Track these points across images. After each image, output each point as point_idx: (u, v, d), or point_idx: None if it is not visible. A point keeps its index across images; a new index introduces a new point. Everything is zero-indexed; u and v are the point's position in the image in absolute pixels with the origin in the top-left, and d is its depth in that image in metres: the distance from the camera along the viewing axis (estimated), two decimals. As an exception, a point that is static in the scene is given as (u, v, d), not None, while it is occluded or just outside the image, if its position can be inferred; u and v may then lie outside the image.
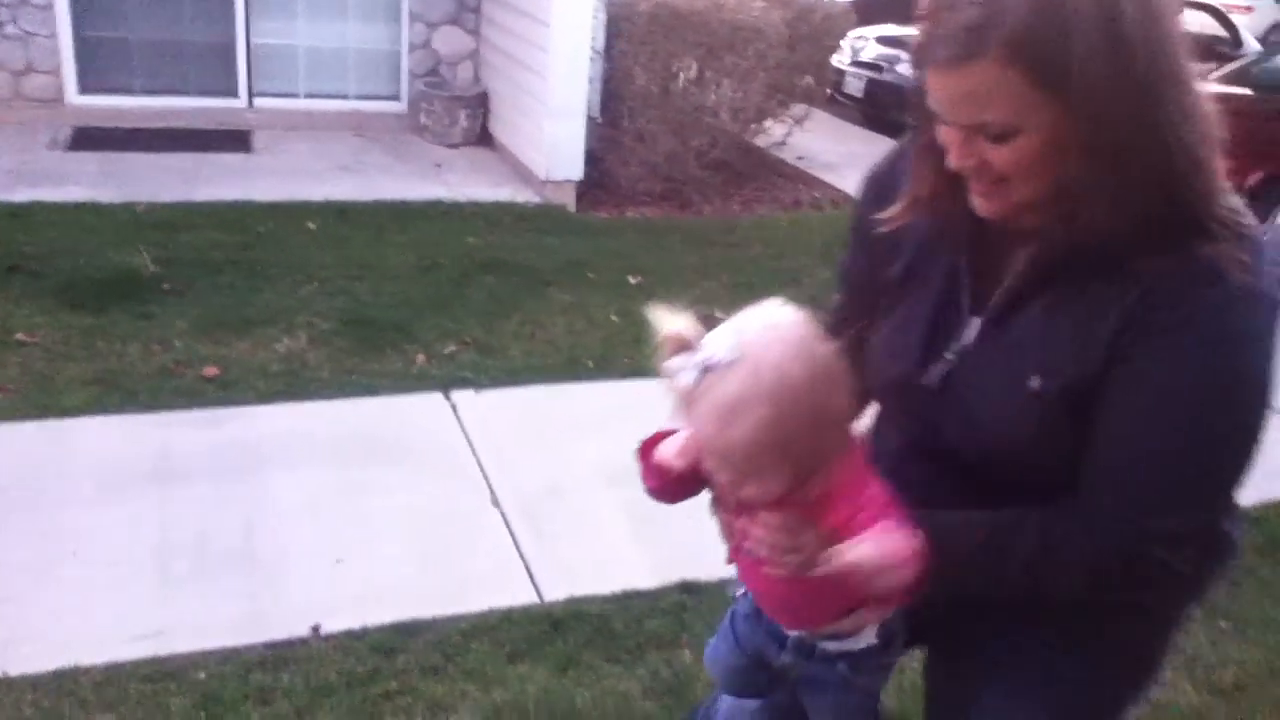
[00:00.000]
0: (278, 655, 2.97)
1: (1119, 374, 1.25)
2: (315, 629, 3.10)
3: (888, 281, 1.46)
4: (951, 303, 1.40)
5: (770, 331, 1.26)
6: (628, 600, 3.23)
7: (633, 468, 1.46)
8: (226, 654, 2.97)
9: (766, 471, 1.26)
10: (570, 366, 4.79)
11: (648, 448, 1.44)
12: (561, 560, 3.45)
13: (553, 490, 3.83)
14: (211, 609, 3.16)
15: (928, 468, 1.45)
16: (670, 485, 1.42)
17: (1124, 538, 1.28)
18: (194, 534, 3.48)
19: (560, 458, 4.05)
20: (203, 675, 2.88)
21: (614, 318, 5.25)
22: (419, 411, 4.35)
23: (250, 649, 3.00)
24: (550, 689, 2.81)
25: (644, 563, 3.42)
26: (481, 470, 3.93)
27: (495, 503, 3.74)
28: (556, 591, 3.27)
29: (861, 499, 1.30)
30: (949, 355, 1.39)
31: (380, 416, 4.28)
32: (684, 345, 1.26)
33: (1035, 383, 1.30)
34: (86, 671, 2.89)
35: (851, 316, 1.53)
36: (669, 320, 1.27)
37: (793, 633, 1.49)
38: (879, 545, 1.26)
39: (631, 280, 5.79)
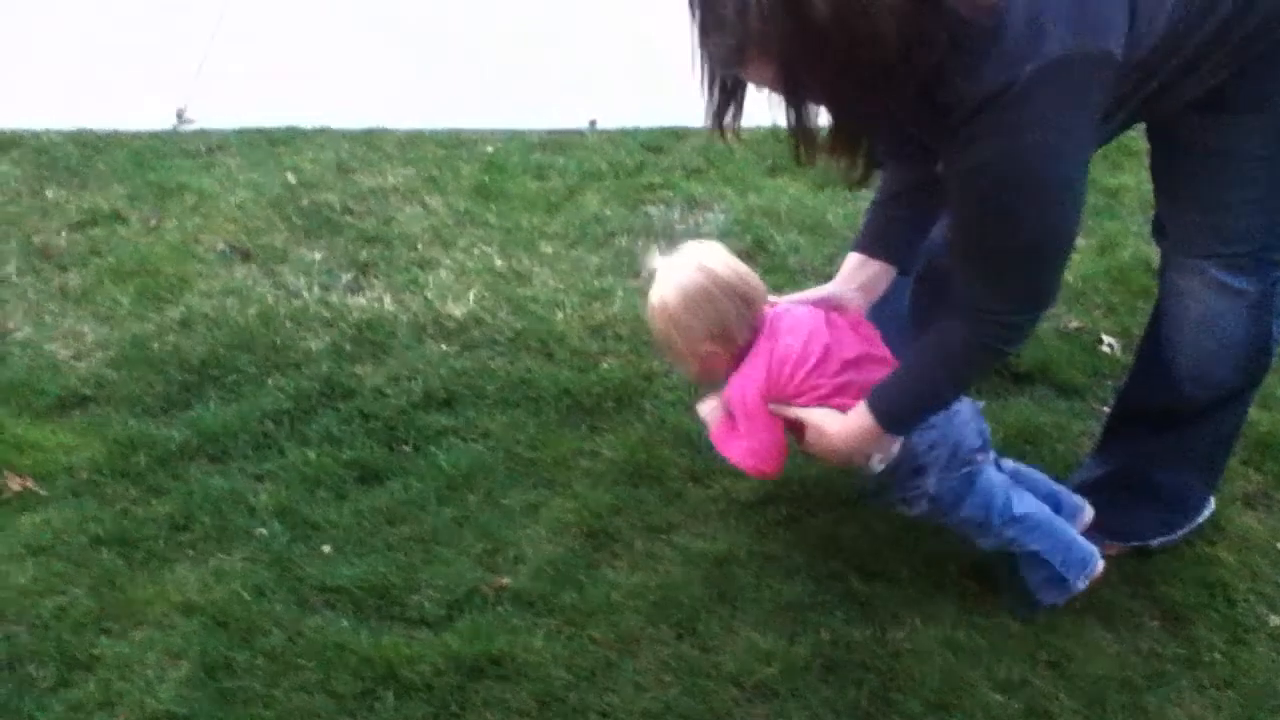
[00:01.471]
0: (555, 140, 3.17)
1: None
2: (592, 123, 3.25)
3: None
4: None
5: (665, 265, 1.79)
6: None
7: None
8: (510, 134, 3.20)
9: (681, 362, 1.85)
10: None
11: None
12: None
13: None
14: (499, 93, 3.37)
15: None
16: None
17: (983, 334, 1.55)
18: (479, 21, 3.65)
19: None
20: (489, 149, 3.13)
21: None
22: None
23: (532, 132, 3.21)
24: (804, 201, 2.87)
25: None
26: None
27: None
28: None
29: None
30: None
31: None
32: None
33: None
34: (391, 133, 3.21)
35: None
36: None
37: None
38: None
39: None
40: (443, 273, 2.63)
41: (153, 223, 2.81)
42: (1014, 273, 1.50)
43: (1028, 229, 1.41)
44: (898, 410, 1.66)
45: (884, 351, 1.76)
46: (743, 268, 1.81)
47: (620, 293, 2.53)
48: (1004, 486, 1.74)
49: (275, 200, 2.90)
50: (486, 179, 2.97)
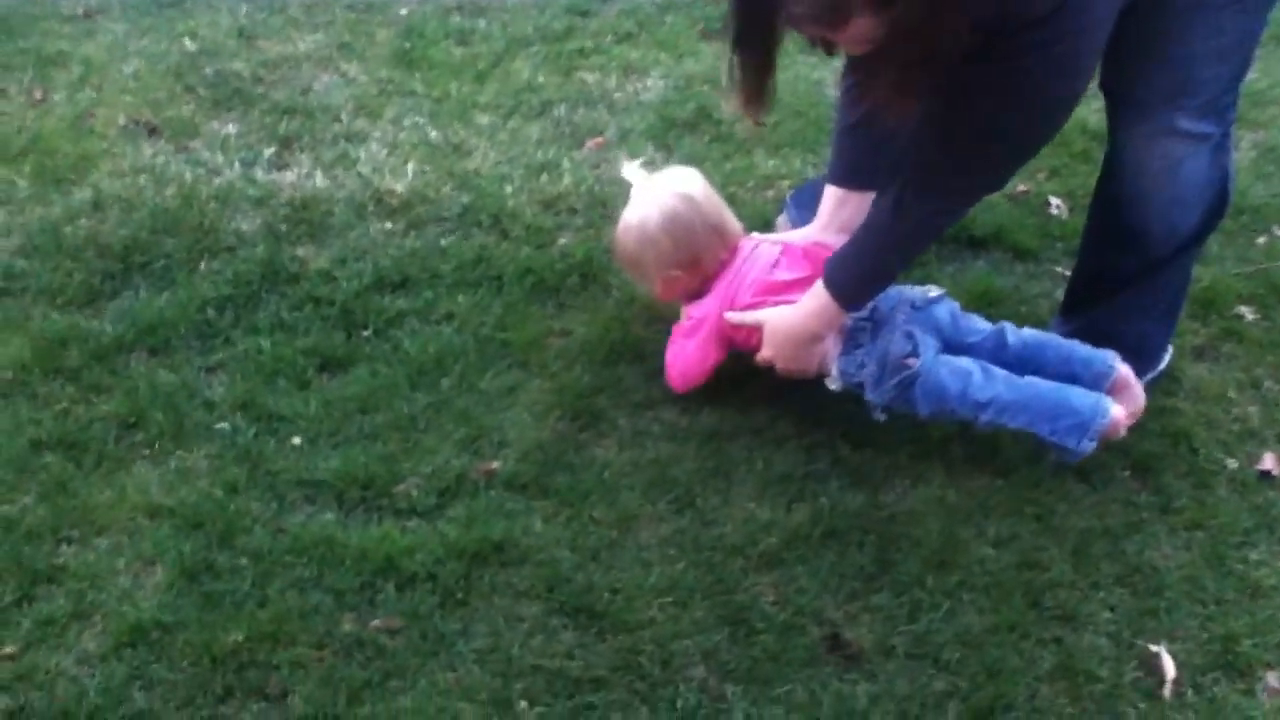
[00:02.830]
0: (473, 3, 3.00)
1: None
2: (509, -16, 3.08)
3: None
4: None
5: (648, 185, 1.90)
6: None
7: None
8: (426, -4, 3.01)
9: (644, 280, 1.96)
10: None
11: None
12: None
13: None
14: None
15: None
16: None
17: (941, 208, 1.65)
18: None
19: None
20: (404, 11, 2.93)
21: None
22: None
23: (449, -6, 3.02)
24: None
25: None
26: None
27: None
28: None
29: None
30: None
31: None
32: None
33: None
34: (294, -6, 2.97)
35: None
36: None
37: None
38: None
39: None
40: (374, 146, 2.47)
41: (38, 95, 2.54)
42: (1000, 158, 1.59)
43: (1040, 120, 1.50)
44: (851, 283, 1.73)
45: None
46: (719, 200, 1.92)
47: (567, 164, 2.44)
48: (960, 377, 1.75)
49: (175, 69, 2.66)
50: (406, 45, 2.79)
